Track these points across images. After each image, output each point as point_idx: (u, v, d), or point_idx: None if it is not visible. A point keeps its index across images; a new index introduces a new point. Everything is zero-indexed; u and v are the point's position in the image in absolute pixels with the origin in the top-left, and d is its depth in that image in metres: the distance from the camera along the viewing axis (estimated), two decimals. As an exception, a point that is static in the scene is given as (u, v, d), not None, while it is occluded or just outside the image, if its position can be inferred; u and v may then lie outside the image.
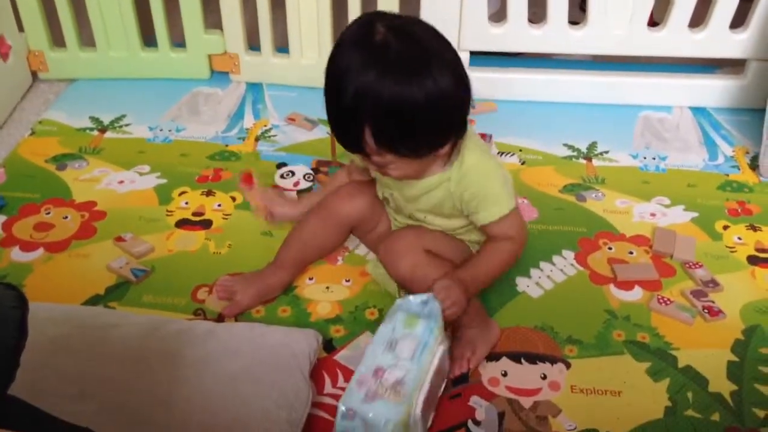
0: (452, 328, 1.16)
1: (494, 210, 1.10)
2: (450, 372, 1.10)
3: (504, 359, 1.15)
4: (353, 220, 1.26)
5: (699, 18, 1.69)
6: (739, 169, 1.60)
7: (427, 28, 1.02)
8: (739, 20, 1.68)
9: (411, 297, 1.05)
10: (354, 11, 1.71)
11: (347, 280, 1.28)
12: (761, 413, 1.07)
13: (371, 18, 1.00)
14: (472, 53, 1.76)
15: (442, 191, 1.11)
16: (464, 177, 1.08)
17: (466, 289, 1.06)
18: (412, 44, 0.97)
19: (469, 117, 1.74)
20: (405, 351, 0.98)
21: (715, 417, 1.06)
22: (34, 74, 1.86)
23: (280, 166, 1.57)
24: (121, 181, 1.51)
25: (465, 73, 1.02)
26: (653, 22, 1.75)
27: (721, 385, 1.11)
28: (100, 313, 1.18)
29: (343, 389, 1.09)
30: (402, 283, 1.15)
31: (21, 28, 1.79)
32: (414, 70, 0.96)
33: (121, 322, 1.13)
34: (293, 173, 1.55)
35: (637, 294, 1.26)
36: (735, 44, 1.71)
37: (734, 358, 1.16)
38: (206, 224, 1.41)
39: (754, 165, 1.60)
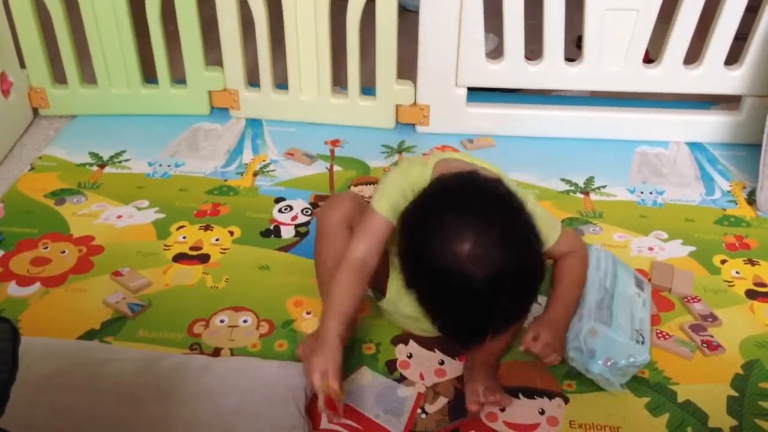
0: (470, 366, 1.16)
1: (551, 231, 1.15)
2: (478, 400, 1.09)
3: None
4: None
5: (694, 55, 1.71)
6: (736, 204, 1.60)
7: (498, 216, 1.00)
8: (733, 57, 1.70)
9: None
10: (352, 48, 1.73)
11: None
12: (762, 449, 1.06)
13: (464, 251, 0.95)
14: (469, 89, 1.78)
15: None
16: None
17: (556, 327, 1.13)
18: (508, 249, 0.96)
19: (467, 153, 1.76)
20: None
21: (716, 453, 1.06)
22: (35, 110, 1.88)
23: (278, 200, 1.58)
24: (120, 216, 1.52)
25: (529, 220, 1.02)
26: (649, 59, 1.77)
27: (721, 420, 1.10)
28: (95, 348, 1.17)
29: (340, 424, 1.08)
30: None
31: (23, 65, 1.81)
32: (519, 273, 0.97)
33: (115, 357, 1.12)
34: (291, 208, 1.56)
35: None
36: (730, 81, 1.73)
37: (734, 393, 1.15)
38: (204, 259, 1.41)
39: (751, 200, 1.61)
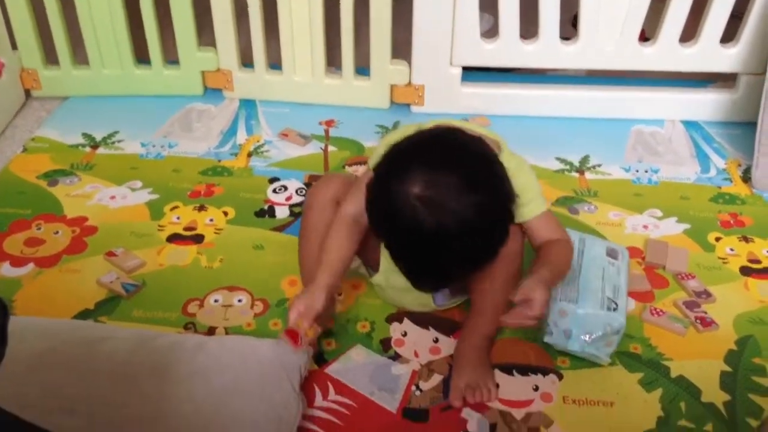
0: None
1: (538, 203, 1.13)
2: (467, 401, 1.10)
3: (496, 371, 1.14)
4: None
5: (690, 33, 1.70)
6: (731, 182, 1.60)
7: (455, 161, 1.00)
8: (729, 35, 1.69)
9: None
10: (347, 28, 1.71)
11: (339, 294, 1.28)
12: (755, 423, 1.06)
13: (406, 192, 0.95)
14: (464, 69, 1.77)
15: None
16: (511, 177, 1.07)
17: (548, 288, 1.07)
18: (456, 187, 0.96)
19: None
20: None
21: (708, 427, 1.06)
22: (27, 92, 1.86)
23: (272, 181, 1.57)
24: (113, 197, 1.51)
25: (494, 158, 1.04)
26: (645, 38, 1.76)
27: (714, 395, 1.11)
28: (89, 327, 1.17)
29: (334, 402, 1.09)
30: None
31: (14, 46, 1.80)
32: (477, 206, 0.96)
33: (109, 336, 1.12)
34: (286, 188, 1.55)
35: (629, 305, 1.25)
36: (726, 59, 1.72)
37: (727, 369, 1.15)
38: (198, 239, 1.40)
39: (746, 177, 1.61)
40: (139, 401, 1.01)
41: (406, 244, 1.01)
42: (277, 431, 0.99)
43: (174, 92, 1.87)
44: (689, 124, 1.80)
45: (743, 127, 1.76)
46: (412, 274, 1.05)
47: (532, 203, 1.13)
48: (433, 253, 0.98)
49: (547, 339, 1.15)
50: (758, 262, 1.37)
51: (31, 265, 1.33)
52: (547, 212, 1.16)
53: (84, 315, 1.23)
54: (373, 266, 1.22)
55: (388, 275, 1.19)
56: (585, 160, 1.66)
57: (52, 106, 1.85)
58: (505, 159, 1.08)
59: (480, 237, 0.98)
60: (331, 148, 1.70)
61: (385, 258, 1.19)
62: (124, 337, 1.13)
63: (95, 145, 1.69)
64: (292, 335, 1.08)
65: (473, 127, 1.17)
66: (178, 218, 1.46)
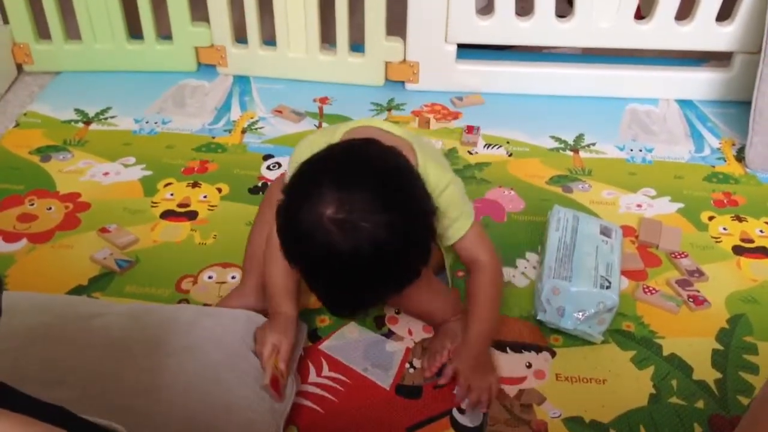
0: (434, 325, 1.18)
1: (463, 221, 1.08)
2: (427, 366, 1.10)
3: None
4: None
5: (685, 11, 1.70)
6: (725, 161, 1.60)
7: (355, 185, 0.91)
8: (725, 13, 1.69)
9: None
10: (341, 3, 1.70)
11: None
12: (745, 401, 1.07)
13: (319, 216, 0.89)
14: (459, 46, 1.76)
15: None
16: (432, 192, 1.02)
17: (476, 351, 1.06)
18: (367, 211, 0.89)
19: (457, 110, 1.75)
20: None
21: (700, 404, 1.06)
22: (19, 67, 1.85)
23: (266, 158, 1.57)
24: (106, 173, 1.51)
25: (404, 168, 0.97)
26: (640, 16, 1.76)
27: (705, 373, 1.11)
28: (83, 302, 1.17)
29: (328, 378, 1.09)
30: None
31: (6, 20, 1.78)
32: (391, 225, 0.90)
33: (103, 311, 1.12)
34: (280, 165, 1.55)
35: (622, 283, 1.26)
36: (721, 37, 1.71)
37: (719, 347, 1.16)
38: (192, 215, 1.40)
39: (740, 157, 1.61)
40: (133, 374, 1.02)
41: (319, 270, 0.94)
42: (270, 407, 0.99)
43: (167, 68, 1.85)
44: (684, 103, 1.80)
45: (738, 107, 1.76)
46: (328, 300, 1.00)
47: (457, 222, 1.07)
48: (348, 278, 0.92)
49: (540, 316, 1.15)
50: (751, 241, 1.37)
51: (24, 241, 1.33)
52: (472, 228, 1.08)
53: (77, 291, 1.23)
54: None
55: None
56: (579, 138, 1.66)
57: (44, 81, 1.83)
58: (423, 171, 1.02)
59: (399, 258, 0.92)
60: (325, 125, 1.69)
61: None
62: (119, 311, 1.13)
63: (88, 121, 1.68)
64: (276, 385, 1.00)
65: (392, 129, 1.10)
66: (171, 195, 1.45)
